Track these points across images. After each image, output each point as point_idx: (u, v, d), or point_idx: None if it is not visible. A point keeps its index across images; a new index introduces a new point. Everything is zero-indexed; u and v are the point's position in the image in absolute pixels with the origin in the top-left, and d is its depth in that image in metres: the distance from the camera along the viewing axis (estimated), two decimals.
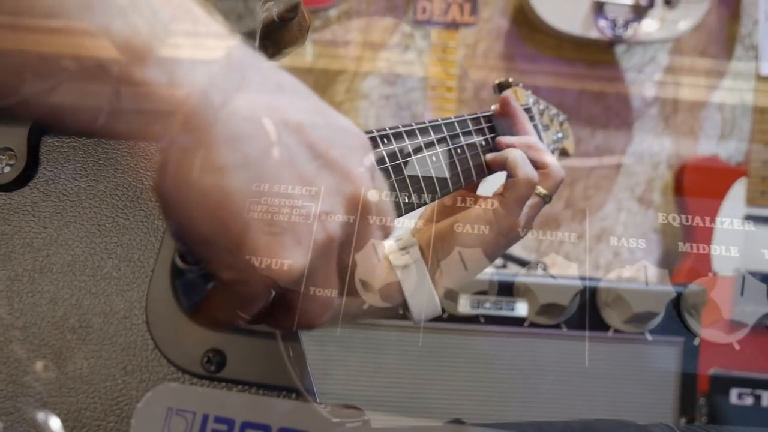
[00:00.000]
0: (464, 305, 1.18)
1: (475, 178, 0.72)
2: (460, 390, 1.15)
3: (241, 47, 0.44)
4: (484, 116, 0.75)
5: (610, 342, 1.15)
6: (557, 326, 1.15)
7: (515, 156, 0.71)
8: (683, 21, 1.91)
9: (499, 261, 1.56)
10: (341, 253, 0.45)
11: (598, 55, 2.08)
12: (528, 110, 0.88)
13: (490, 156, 0.73)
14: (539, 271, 1.47)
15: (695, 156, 2.09)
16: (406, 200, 0.60)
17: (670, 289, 1.08)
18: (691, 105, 2.14)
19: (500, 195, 0.70)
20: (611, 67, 2.12)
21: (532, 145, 0.74)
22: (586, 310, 1.14)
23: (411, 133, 0.64)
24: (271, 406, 0.41)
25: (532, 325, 1.13)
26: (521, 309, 1.18)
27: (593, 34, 1.90)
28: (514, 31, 2.12)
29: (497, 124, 0.77)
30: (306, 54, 2.11)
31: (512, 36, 2.13)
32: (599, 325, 1.13)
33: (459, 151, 0.70)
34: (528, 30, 2.09)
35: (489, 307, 1.17)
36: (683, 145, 2.11)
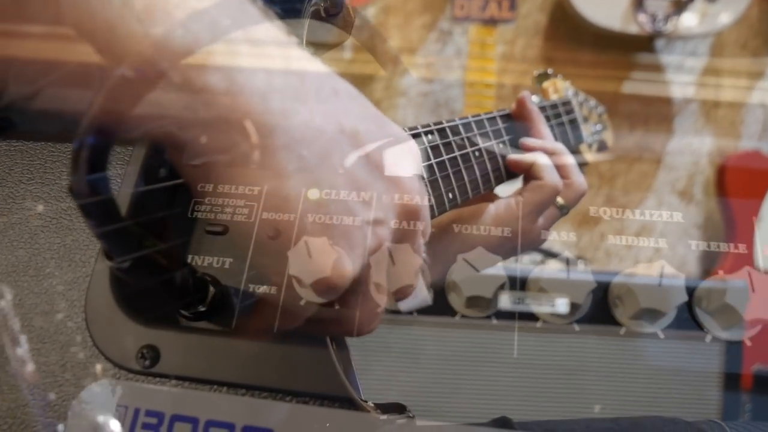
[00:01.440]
0: (505, 301, 1.18)
1: (494, 183, 0.69)
2: (501, 387, 1.15)
3: (298, 52, 0.45)
4: (501, 116, 0.73)
5: (654, 340, 1.14)
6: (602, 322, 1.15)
7: (543, 161, 0.69)
8: (724, 14, 1.89)
9: (537, 256, 1.55)
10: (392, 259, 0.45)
11: (637, 50, 2.06)
12: (567, 103, 0.88)
13: (513, 157, 0.70)
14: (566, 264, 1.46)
15: (737, 151, 2.06)
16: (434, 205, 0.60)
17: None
18: (732, 100, 2.11)
19: (519, 197, 0.68)
20: (651, 62, 2.10)
21: (557, 153, 0.72)
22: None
23: (430, 134, 0.63)
24: (199, 400, 0.41)
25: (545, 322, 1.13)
26: (562, 305, 1.17)
27: (633, 29, 1.89)
28: (553, 27, 2.11)
29: (515, 124, 0.75)
30: (343, 50, 2.12)
31: (551, 32, 2.12)
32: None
33: (477, 154, 0.67)
34: (567, 26, 2.08)
35: (528, 303, 1.17)
36: (724, 140, 2.08)
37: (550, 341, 1.17)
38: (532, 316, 1.16)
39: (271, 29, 0.44)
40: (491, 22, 1.95)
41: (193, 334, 0.45)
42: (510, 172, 0.71)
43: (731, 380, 1.10)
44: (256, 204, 0.43)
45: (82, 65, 0.38)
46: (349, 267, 0.41)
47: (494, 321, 1.11)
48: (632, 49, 2.06)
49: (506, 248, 0.64)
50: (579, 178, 0.71)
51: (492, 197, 0.70)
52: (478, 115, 0.70)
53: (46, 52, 0.37)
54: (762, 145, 2.05)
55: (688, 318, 0.56)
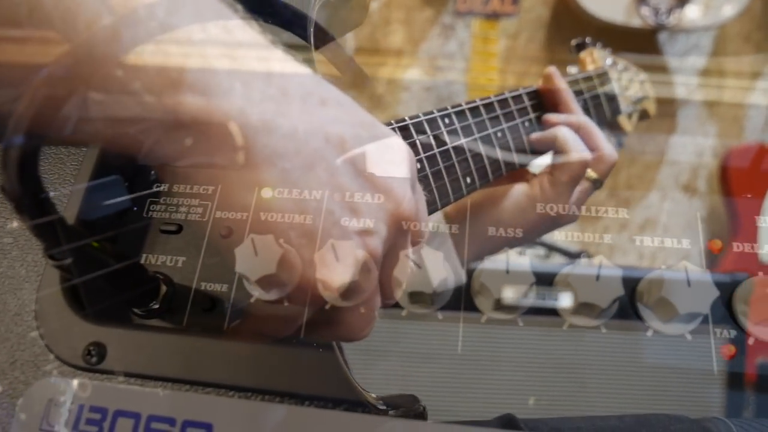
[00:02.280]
0: (508, 297, 1.18)
1: (517, 166, 0.68)
2: (507, 384, 1.15)
3: (282, 59, 0.44)
4: (527, 93, 0.71)
5: (654, 332, 1.14)
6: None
7: (565, 134, 0.67)
8: (727, 7, 1.88)
9: (542, 251, 1.55)
10: (383, 266, 0.45)
11: (640, 43, 2.06)
12: (603, 74, 0.86)
13: (535, 135, 0.69)
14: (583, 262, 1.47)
15: (740, 143, 2.06)
16: (442, 194, 0.60)
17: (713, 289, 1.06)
18: (736, 92, 2.11)
19: (549, 174, 0.67)
20: (654, 55, 2.09)
21: (583, 125, 0.70)
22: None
23: (447, 118, 0.61)
24: (141, 396, 0.42)
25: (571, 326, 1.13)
26: (565, 300, 1.17)
27: (636, 22, 1.88)
28: (556, 21, 2.11)
29: (542, 101, 0.73)
30: (346, 45, 2.12)
31: (553, 26, 2.11)
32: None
33: (500, 135, 0.66)
34: (569, 19, 2.08)
35: (534, 299, 1.17)
36: (728, 133, 2.08)
37: (548, 337, 1.17)
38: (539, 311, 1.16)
39: (253, 36, 0.44)
40: (494, 17, 1.95)
41: (140, 332, 0.45)
42: (536, 151, 0.70)
43: (733, 378, 1.10)
44: (211, 203, 0.43)
45: (127, 89, 0.38)
46: (298, 263, 0.41)
47: (520, 323, 1.10)
48: (635, 43, 2.06)
49: (541, 227, 0.64)
50: (608, 148, 0.70)
51: (526, 174, 0.69)
52: (502, 94, 0.68)
53: (26, 55, 0.37)
54: (765, 138, 2.05)
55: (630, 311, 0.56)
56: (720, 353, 0.44)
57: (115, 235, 0.49)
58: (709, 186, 2.00)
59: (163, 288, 0.46)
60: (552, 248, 1.54)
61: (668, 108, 2.10)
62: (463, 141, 0.61)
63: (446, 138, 0.61)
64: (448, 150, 0.61)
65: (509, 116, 0.68)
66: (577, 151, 0.66)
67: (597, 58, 0.87)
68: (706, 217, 2.00)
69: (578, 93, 0.78)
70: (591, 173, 0.68)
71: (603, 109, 0.84)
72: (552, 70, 0.73)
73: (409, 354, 1.17)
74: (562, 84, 0.72)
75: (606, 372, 1.17)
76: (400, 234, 0.45)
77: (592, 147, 0.69)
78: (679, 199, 2.03)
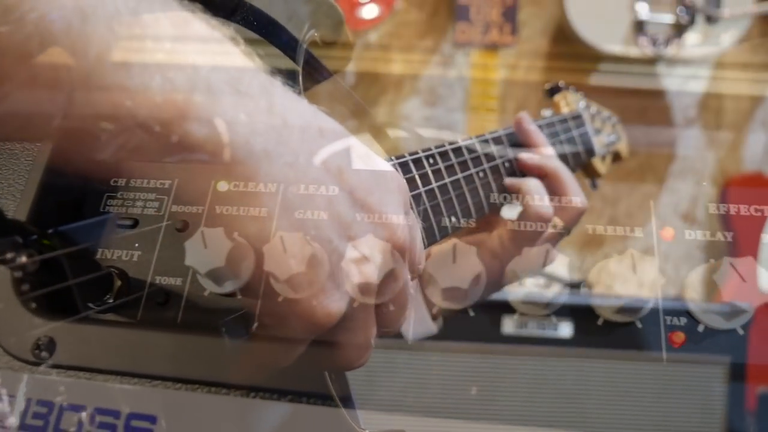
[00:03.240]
0: (508, 326, 1.18)
1: (498, 204, 0.68)
2: (506, 411, 1.15)
3: (282, 92, 0.45)
4: (506, 135, 0.71)
5: (655, 363, 1.14)
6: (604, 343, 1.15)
7: (529, 188, 0.67)
8: (725, 36, 1.90)
9: (541, 280, 1.55)
10: (380, 295, 0.45)
11: (639, 73, 2.07)
12: (578, 117, 0.87)
13: (508, 181, 0.68)
14: (583, 291, 1.46)
15: (739, 172, 2.06)
16: (428, 234, 0.59)
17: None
18: (734, 121, 2.11)
19: (508, 228, 0.66)
20: (653, 85, 2.11)
21: (551, 173, 0.69)
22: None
23: (431, 158, 0.61)
24: (87, 389, 0.42)
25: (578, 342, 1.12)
26: (565, 330, 1.17)
27: (634, 52, 1.90)
28: (554, 51, 2.12)
29: (518, 143, 0.73)
30: (347, 75, 2.13)
31: (552, 56, 2.13)
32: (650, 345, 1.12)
33: (481, 175, 0.66)
34: (568, 49, 2.09)
35: (533, 328, 1.17)
36: (727, 161, 2.09)
37: (549, 365, 1.16)
38: (539, 340, 1.15)
39: (254, 68, 0.44)
40: (493, 47, 1.96)
41: (90, 326, 0.45)
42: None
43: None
44: (167, 197, 0.43)
45: (135, 120, 0.38)
46: (249, 256, 0.41)
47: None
48: (634, 72, 2.07)
49: (505, 279, 0.63)
50: (577, 197, 0.69)
51: (498, 220, 0.69)
52: (483, 135, 0.69)
53: (100, 108, 0.38)
54: (764, 167, 2.05)
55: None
56: (669, 341, 0.44)
57: (70, 231, 0.49)
58: (708, 215, 2.00)
59: (118, 282, 0.46)
60: (552, 278, 1.53)
61: (667, 137, 2.11)
62: (447, 180, 0.61)
63: (431, 177, 0.61)
64: (433, 189, 0.61)
65: (490, 157, 0.68)
66: (537, 209, 0.66)
67: (570, 101, 0.88)
68: (705, 245, 2.00)
69: (553, 135, 0.78)
70: (557, 221, 0.67)
71: (578, 150, 0.85)
72: (522, 115, 0.73)
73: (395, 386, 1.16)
74: (532, 126, 0.73)
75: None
76: (397, 262, 0.45)
77: (561, 193, 0.68)
78: (678, 228, 2.02)
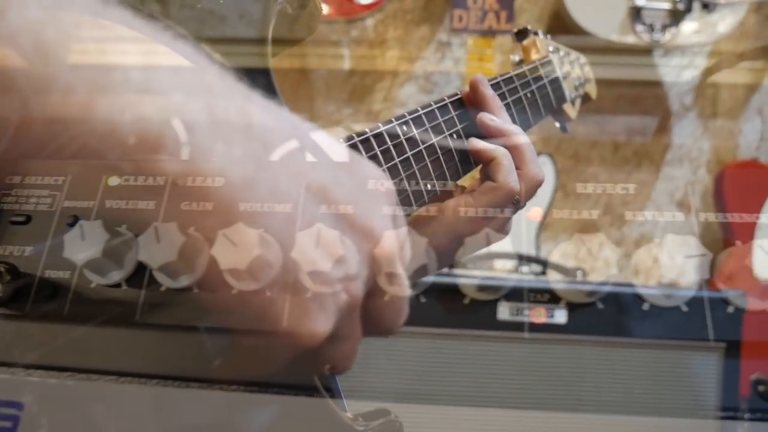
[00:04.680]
0: (503, 312, 1.19)
1: (450, 180, 0.65)
2: (497, 395, 1.16)
3: (261, 110, 0.44)
4: (452, 102, 0.68)
5: (651, 348, 1.14)
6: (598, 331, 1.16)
7: (502, 157, 0.63)
8: (722, 24, 1.90)
9: (538, 268, 1.56)
10: (368, 299, 0.45)
11: (635, 60, 2.07)
12: (547, 63, 0.86)
13: (476, 144, 0.65)
14: (578, 278, 1.47)
15: (734, 160, 2.07)
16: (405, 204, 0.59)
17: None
18: (730, 108, 2.12)
19: (469, 197, 0.63)
20: (649, 72, 2.11)
21: (510, 139, 0.66)
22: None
23: (379, 136, 0.59)
24: None
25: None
26: (561, 316, 1.18)
27: (631, 40, 1.89)
28: (551, 38, 2.12)
29: (469, 110, 0.69)
30: (344, 62, 2.13)
31: None
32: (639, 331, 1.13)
33: (431, 150, 0.63)
34: (565, 36, 2.09)
35: (527, 315, 1.17)
36: (723, 149, 2.09)
37: (543, 350, 1.17)
38: (534, 326, 1.17)
39: (231, 87, 0.44)
40: (489, 34, 1.96)
41: None
42: (467, 164, 0.67)
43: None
44: (59, 193, 0.44)
45: (108, 155, 0.38)
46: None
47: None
48: (630, 60, 2.07)
49: (456, 249, 0.61)
50: (534, 169, 0.65)
51: (460, 190, 0.66)
52: (429, 105, 0.65)
53: (76, 147, 0.37)
54: (759, 154, 2.06)
55: None
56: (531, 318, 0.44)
57: None
58: (704, 202, 2.01)
59: (6, 277, 0.47)
60: (547, 265, 1.54)
61: (663, 124, 2.11)
62: (396, 161, 0.59)
63: (381, 159, 0.60)
64: (408, 158, 0.60)
65: (437, 128, 0.65)
66: (507, 182, 0.63)
67: (540, 46, 0.87)
68: (700, 232, 2.01)
69: (525, 85, 0.78)
70: (519, 196, 0.64)
71: (550, 98, 0.84)
72: (479, 77, 0.69)
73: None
74: (488, 91, 0.68)
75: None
76: (384, 271, 0.45)
77: (519, 163, 0.65)
78: (674, 216, 2.03)
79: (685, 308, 1.11)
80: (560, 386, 1.15)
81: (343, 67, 2.13)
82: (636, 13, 1.88)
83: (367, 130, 0.59)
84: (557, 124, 0.93)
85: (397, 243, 0.45)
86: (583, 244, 0.56)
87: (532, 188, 0.65)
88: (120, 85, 0.38)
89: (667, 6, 1.88)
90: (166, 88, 0.40)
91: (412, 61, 2.14)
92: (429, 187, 0.62)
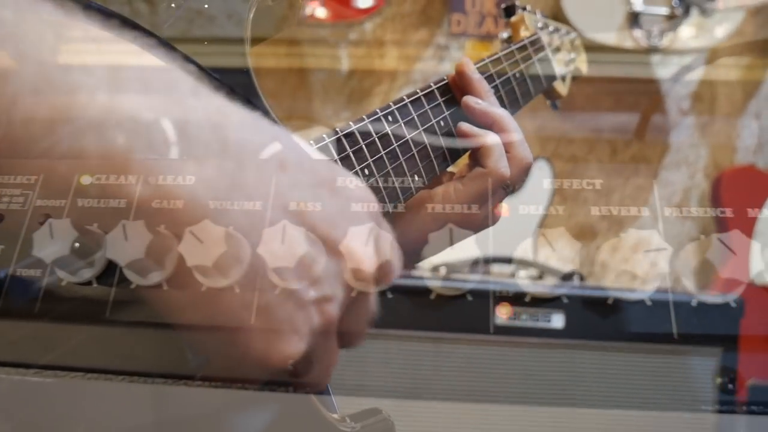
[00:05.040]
0: (500, 317, 1.19)
1: (437, 169, 0.64)
2: (496, 401, 1.15)
3: (240, 123, 0.44)
4: (439, 88, 0.67)
5: (646, 354, 1.14)
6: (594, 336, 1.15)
7: (492, 145, 0.63)
8: (719, 29, 1.90)
9: (534, 271, 1.56)
10: (346, 312, 0.44)
11: (633, 64, 2.07)
12: (536, 41, 0.85)
13: (465, 129, 0.64)
14: (575, 282, 1.47)
15: (732, 165, 2.07)
16: (391, 196, 0.59)
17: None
18: (727, 114, 2.12)
19: (459, 182, 0.63)
20: (646, 77, 2.11)
21: (498, 122, 0.65)
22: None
23: (364, 128, 0.59)
24: None
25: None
26: (557, 321, 1.18)
27: (628, 44, 1.90)
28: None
29: (456, 95, 0.68)
30: (342, 66, 2.13)
31: None
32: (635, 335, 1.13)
33: (418, 139, 0.63)
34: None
35: (525, 319, 1.17)
36: (720, 154, 2.09)
37: (539, 355, 1.17)
38: (531, 331, 1.16)
39: (205, 97, 0.44)
40: (487, 38, 1.96)
41: None
42: (455, 153, 0.66)
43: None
44: (32, 192, 0.44)
45: (71, 180, 0.39)
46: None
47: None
48: (627, 64, 2.07)
49: (446, 236, 0.61)
50: (523, 152, 0.65)
51: (448, 176, 0.66)
52: (415, 93, 0.65)
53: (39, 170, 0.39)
54: (757, 160, 2.06)
55: None
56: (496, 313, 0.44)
57: None
58: (702, 207, 2.01)
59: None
60: (544, 268, 1.54)
61: (660, 128, 2.11)
62: (382, 153, 0.60)
63: (391, 137, 0.60)
64: (394, 150, 0.60)
65: (424, 116, 0.65)
66: (498, 168, 0.62)
67: (528, 22, 0.86)
68: (697, 237, 2.01)
69: (514, 64, 0.77)
70: (509, 182, 0.64)
71: (539, 77, 0.83)
72: (466, 60, 0.69)
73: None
74: (475, 75, 0.68)
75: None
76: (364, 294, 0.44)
77: (506, 147, 0.64)
78: (672, 220, 2.03)
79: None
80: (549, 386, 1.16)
81: (341, 71, 2.12)
82: (634, 18, 1.88)
83: (351, 123, 0.59)
84: (548, 102, 0.92)
85: (380, 253, 0.44)
86: (546, 242, 0.56)
87: (522, 172, 0.65)
88: (90, 88, 0.39)
89: (664, 11, 1.88)
90: (134, 91, 0.40)
91: (410, 64, 2.14)
92: (415, 179, 0.61)
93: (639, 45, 1.89)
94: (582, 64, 0.96)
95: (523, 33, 0.86)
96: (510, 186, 0.64)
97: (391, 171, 0.59)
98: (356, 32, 2.10)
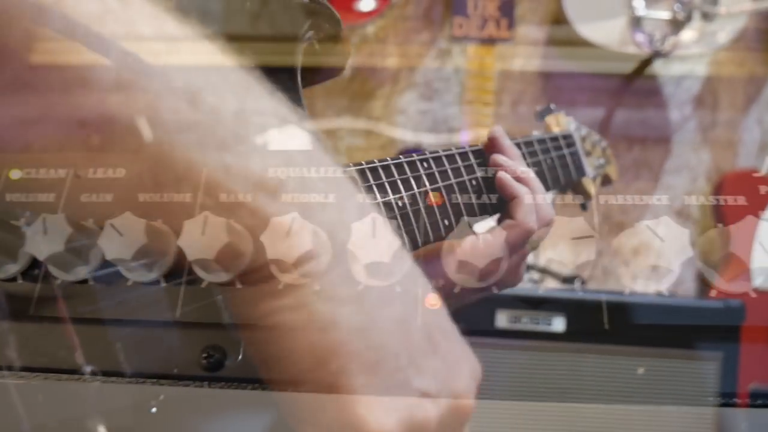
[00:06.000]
0: (501, 320, 1.19)
1: (466, 218, 0.66)
2: (496, 406, 1.15)
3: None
4: (473, 151, 0.69)
5: (647, 357, 1.14)
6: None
7: (523, 196, 0.65)
8: (721, 33, 1.90)
9: (536, 275, 1.56)
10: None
11: (635, 69, 2.07)
12: (568, 137, 0.86)
13: (504, 179, 0.66)
14: (576, 285, 1.47)
15: (734, 169, 2.07)
16: (423, 234, 0.59)
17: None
18: (729, 118, 2.12)
19: (488, 232, 0.64)
20: (649, 81, 2.11)
21: (525, 178, 0.67)
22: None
23: (399, 166, 0.60)
24: None
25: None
26: (558, 324, 1.18)
27: (631, 49, 1.90)
28: (551, 46, 2.12)
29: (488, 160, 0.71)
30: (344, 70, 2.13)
31: (549, 51, 2.13)
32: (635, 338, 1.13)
33: (448, 190, 0.64)
34: (565, 44, 2.09)
35: (526, 322, 1.17)
36: (722, 158, 2.09)
37: (540, 358, 1.17)
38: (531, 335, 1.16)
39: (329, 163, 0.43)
40: (489, 42, 1.96)
41: None
42: (483, 208, 0.68)
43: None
44: None
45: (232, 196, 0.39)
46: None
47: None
48: (630, 69, 2.07)
49: (470, 289, 0.61)
50: (548, 209, 0.67)
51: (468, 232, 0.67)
52: (449, 149, 0.67)
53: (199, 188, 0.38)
54: (759, 164, 2.06)
55: None
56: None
57: None
58: (703, 211, 2.01)
59: None
60: (545, 272, 1.54)
61: (663, 133, 2.11)
62: (416, 191, 0.60)
63: (425, 180, 0.61)
64: (437, 189, 0.61)
65: (457, 172, 0.66)
66: (526, 221, 0.64)
67: (562, 122, 0.87)
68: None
69: (545, 151, 0.78)
70: (535, 237, 0.66)
71: (569, 169, 0.84)
72: (497, 130, 0.70)
73: None
74: (506, 142, 0.70)
75: None
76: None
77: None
78: (673, 225, 2.02)
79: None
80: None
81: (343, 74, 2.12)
82: (636, 23, 1.88)
83: (388, 158, 0.60)
84: (577, 201, 0.92)
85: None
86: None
87: (546, 228, 0.66)
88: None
89: (667, 16, 1.88)
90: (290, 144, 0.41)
91: (412, 68, 2.14)
92: (445, 223, 0.62)
93: (641, 50, 1.89)
94: (612, 173, 0.97)
95: (555, 129, 0.87)
96: (535, 242, 0.65)
97: (422, 209, 0.60)
98: (358, 35, 2.10)
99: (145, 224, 0.40)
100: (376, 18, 2.10)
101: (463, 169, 0.67)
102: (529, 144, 0.75)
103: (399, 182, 0.59)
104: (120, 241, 0.39)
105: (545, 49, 2.13)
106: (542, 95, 2.11)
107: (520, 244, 0.64)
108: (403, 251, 0.41)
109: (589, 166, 0.89)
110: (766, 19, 2.09)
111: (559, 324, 1.17)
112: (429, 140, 2.08)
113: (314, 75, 0.63)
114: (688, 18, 1.88)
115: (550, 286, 1.50)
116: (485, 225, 0.66)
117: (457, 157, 0.67)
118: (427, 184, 0.62)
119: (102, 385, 0.44)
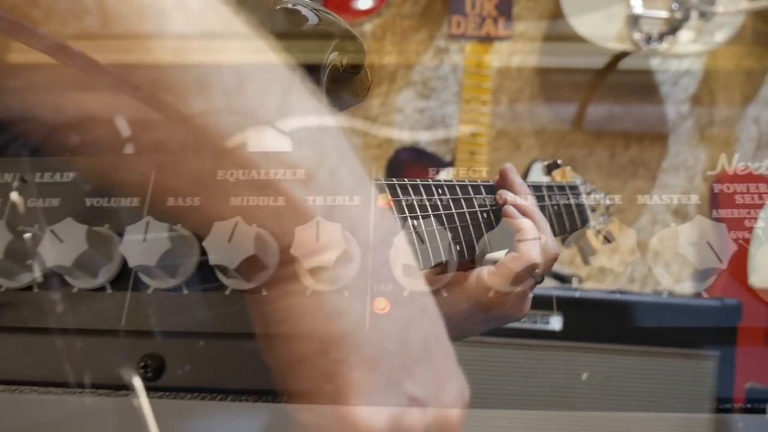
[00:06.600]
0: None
1: (477, 251, 0.66)
2: (494, 402, 1.15)
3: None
4: (485, 186, 0.70)
5: (644, 356, 1.15)
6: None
7: (528, 229, 0.66)
8: (718, 32, 1.90)
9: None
10: None
11: (632, 67, 2.08)
12: (575, 188, 0.87)
13: (510, 211, 0.67)
14: (573, 285, 1.48)
15: (730, 167, 2.07)
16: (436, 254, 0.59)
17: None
18: (726, 117, 2.12)
19: (492, 265, 0.65)
20: (646, 80, 2.11)
21: (531, 212, 0.68)
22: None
23: (416, 189, 0.60)
24: None
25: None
26: (555, 323, 1.18)
27: (628, 47, 1.90)
28: (549, 45, 2.12)
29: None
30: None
31: (546, 50, 2.13)
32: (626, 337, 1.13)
33: (461, 218, 0.65)
34: (562, 43, 2.09)
35: (523, 321, 1.18)
36: (718, 157, 2.09)
37: (538, 357, 1.17)
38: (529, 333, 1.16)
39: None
40: (487, 40, 1.96)
41: None
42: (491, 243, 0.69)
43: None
44: None
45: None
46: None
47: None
48: (627, 67, 2.07)
49: (476, 320, 0.64)
50: (552, 242, 0.68)
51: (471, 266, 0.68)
52: (463, 181, 0.68)
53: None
54: (755, 163, 2.06)
55: None
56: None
57: None
58: (700, 211, 2.01)
59: None
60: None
61: (660, 132, 2.11)
62: (431, 214, 0.61)
63: (440, 205, 0.61)
64: (451, 215, 0.62)
65: (470, 202, 0.67)
66: (530, 254, 0.64)
67: (568, 177, 0.89)
68: (696, 240, 2.00)
69: (552, 197, 0.79)
70: (539, 270, 0.67)
71: (574, 217, 0.85)
72: (508, 167, 0.71)
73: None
74: (517, 179, 0.71)
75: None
76: None
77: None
78: (670, 224, 2.02)
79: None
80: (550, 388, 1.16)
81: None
82: (634, 22, 1.88)
83: (405, 179, 0.60)
84: (580, 255, 0.93)
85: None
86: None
87: (549, 262, 0.67)
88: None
89: (664, 14, 1.88)
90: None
91: (409, 66, 2.14)
92: (456, 248, 0.63)
93: (638, 48, 1.89)
94: (615, 231, 0.98)
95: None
96: (539, 275, 0.66)
97: (436, 230, 0.60)
98: (356, 33, 2.10)
99: (86, 230, 0.40)
100: (373, 16, 2.10)
101: (474, 200, 0.68)
102: (537, 188, 0.76)
103: (416, 205, 0.59)
104: (60, 247, 0.39)
105: (543, 47, 2.13)
106: (539, 93, 2.11)
107: (524, 277, 0.64)
108: (349, 256, 0.41)
109: (593, 221, 0.90)
110: (763, 17, 2.09)
111: (556, 323, 1.17)
112: (426, 138, 2.08)
113: (334, 102, 0.63)
114: (686, 17, 1.88)
115: (548, 285, 1.50)
116: (496, 256, 0.67)
117: (470, 189, 0.68)
118: (441, 208, 0.62)
119: (40, 396, 0.43)
